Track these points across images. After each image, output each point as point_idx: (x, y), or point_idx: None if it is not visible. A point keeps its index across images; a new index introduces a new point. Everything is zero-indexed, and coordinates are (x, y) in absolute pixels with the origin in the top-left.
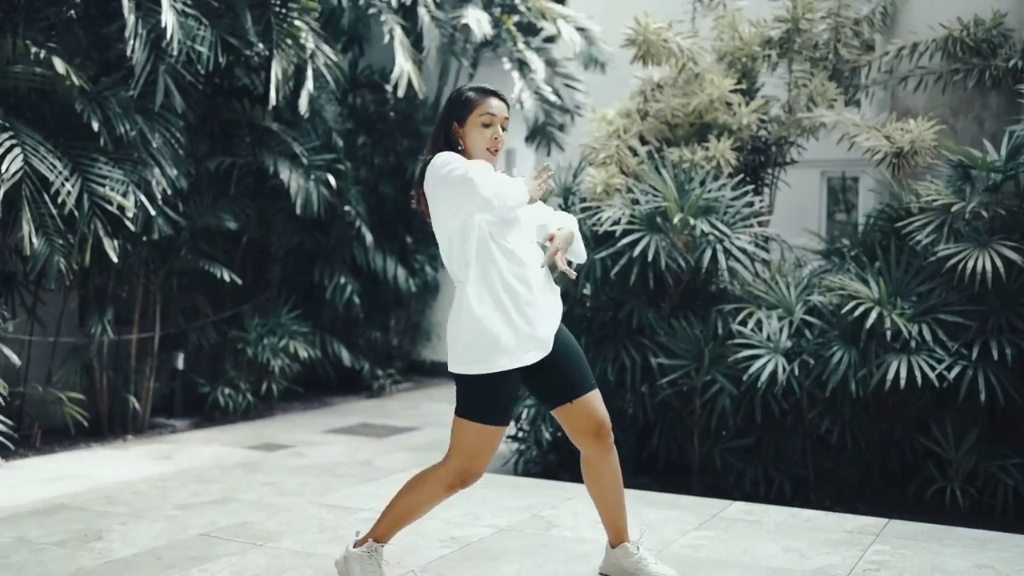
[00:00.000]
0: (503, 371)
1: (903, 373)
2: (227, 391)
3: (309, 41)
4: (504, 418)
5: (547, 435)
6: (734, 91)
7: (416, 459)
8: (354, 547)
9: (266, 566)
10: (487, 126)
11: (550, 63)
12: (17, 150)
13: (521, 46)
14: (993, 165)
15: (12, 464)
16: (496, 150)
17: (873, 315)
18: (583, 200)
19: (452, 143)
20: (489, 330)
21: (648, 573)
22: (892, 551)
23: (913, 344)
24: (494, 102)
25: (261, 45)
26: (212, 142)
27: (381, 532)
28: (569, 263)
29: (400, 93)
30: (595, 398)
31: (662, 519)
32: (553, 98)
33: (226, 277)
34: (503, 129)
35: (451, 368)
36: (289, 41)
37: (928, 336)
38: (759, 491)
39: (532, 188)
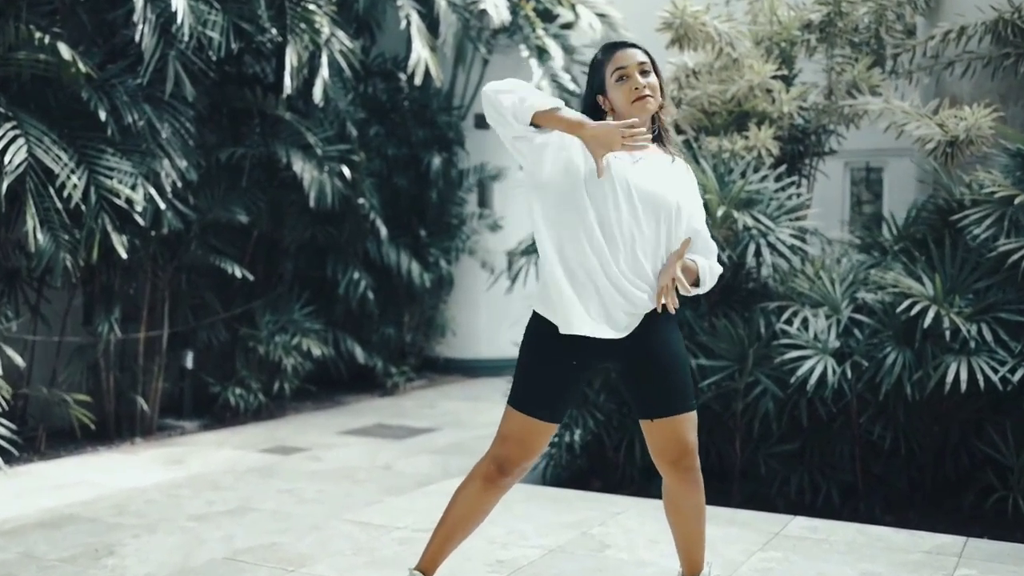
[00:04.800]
0: (543, 351)
1: (963, 375)
2: (238, 391)
3: (324, 26)
4: (536, 408)
5: (577, 439)
6: (774, 77)
7: (438, 463)
8: None
9: None
10: (622, 80)
11: (568, 50)
12: (21, 141)
13: (540, 32)
14: None
15: (17, 470)
16: (641, 97)
17: (930, 314)
18: None
19: (598, 115)
20: (551, 286)
21: None
22: (980, 575)
23: (972, 345)
24: (620, 53)
25: (274, 31)
26: (222, 132)
27: (430, 558)
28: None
29: (417, 81)
30: (678, 423)
31: (722, 537)
32: (572, 86)
33: (237, 273)
34: (645, 74)
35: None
36: (303, 26)
37: (988, 336)
38: (804, 499)
39: (603, 129)
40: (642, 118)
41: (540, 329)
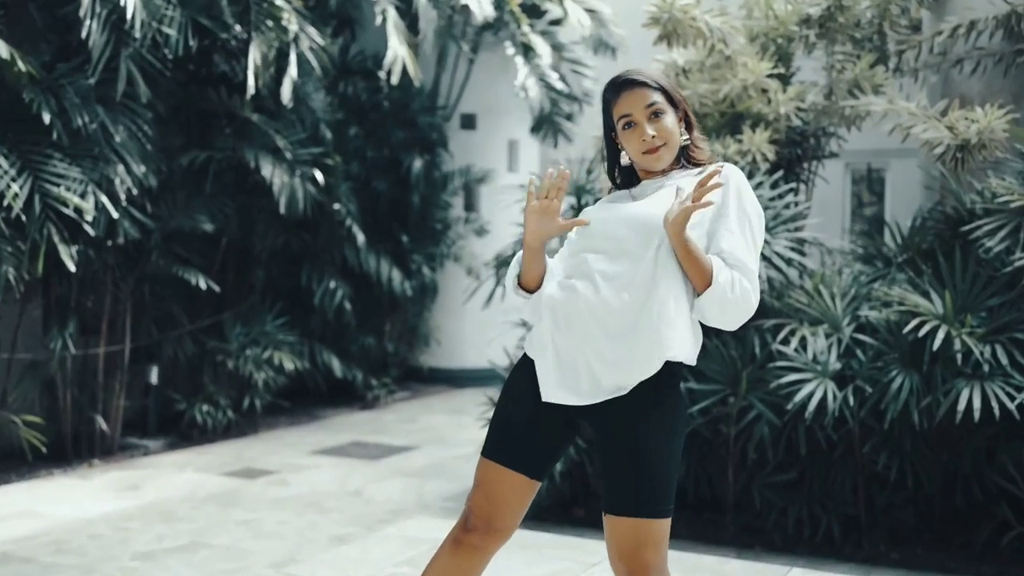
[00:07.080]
0: (516, 395)
1: (976, 402)
2: (205, 407)
3: (292, 23)
4: (492, 449)
5: (559, 466)
6: (770, 76)
7: (412, 488)
8: None
9: None
10: (629, 127)
11: (556, 47)
12: None
13: (526, 29)
14: None
15: None
16: (652, 150)
17: (940, 335)
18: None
19: (617, 155)
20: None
21: None
22: None
23: (986, 368)
24: (624, 97)
25: (239, 27)
26: (187, 135)
27: None
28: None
29: (394, 80)
30: (632, 530)
31: None
32: (560, 85)
33: (202, 284)
34: (656, 116)
35: None
36: (269, 23)
37: (1003, 359)
38: (803, 533)
39: (528, 222)
40: (657, 167)
41: (522, 372)
